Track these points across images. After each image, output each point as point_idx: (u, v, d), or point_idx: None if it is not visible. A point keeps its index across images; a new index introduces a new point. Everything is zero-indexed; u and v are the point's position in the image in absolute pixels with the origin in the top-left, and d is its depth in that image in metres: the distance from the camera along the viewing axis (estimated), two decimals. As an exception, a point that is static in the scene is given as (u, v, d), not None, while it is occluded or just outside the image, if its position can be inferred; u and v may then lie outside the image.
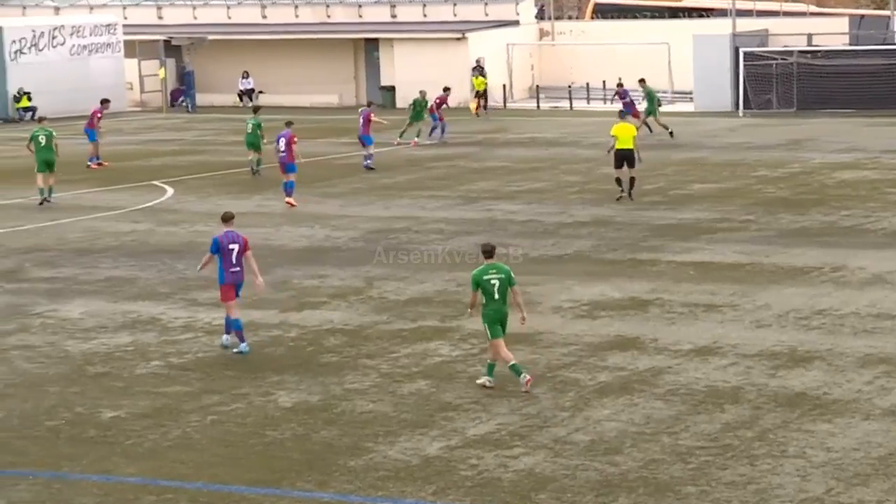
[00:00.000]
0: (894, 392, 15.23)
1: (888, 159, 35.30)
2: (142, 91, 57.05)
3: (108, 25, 54.84)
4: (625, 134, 29.16)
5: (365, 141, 35.33)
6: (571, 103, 52.36)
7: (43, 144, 30.99)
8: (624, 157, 29.11)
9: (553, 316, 19.33)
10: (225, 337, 17.75)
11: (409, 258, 23.52)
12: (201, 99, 55.72)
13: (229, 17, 58.46)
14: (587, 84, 53.66)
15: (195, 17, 58.94)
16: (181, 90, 56.88)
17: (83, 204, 30.62)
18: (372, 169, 34.89)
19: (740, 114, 47.73)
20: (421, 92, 41.96)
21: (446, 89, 43.50)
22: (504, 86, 53.75)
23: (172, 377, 16.59)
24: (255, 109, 37.03)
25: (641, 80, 41.55)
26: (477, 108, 49.31)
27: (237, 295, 17.65)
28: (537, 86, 54.64)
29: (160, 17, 59.48)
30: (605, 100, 53.37)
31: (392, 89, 54.07)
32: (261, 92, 56.76)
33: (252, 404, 15.42)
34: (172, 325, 19.23)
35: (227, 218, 17.77)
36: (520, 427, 14.39)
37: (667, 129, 40.29)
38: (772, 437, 13.87)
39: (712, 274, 21.94)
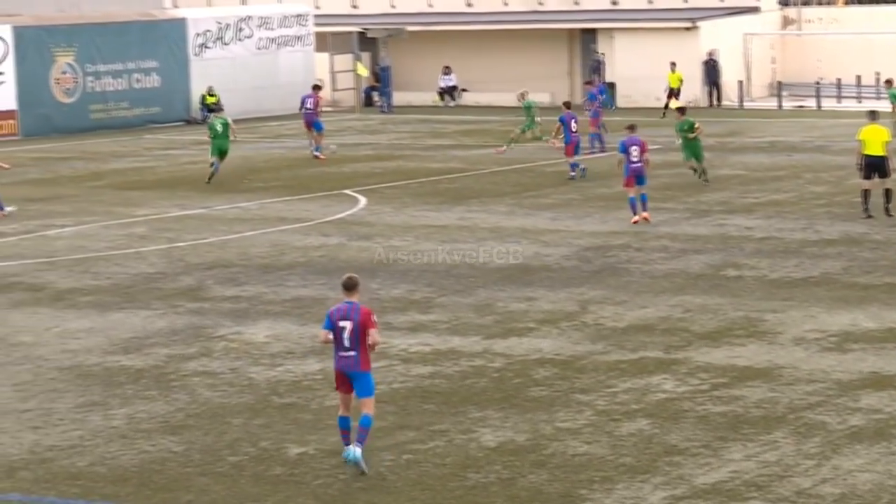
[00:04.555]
0: None
1: None
2: (333, 89, 58.21)
3: (299, 16, 56.19)
4: (874, 138, 28.30)
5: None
6: (819, 102, 51.41)
7: (220, 132, 36.01)
8: (874, 166, 28.19)
9: (796, 348, 19.03)
10: (350, 450, 14.52)
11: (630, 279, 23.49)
12: (398, 97, 56.60)
13: (430, 6, 59.30)
14: (838, 80, 52.57)
15: (393, 7, 59.98)
16: (376, 87, 57.87)
17: (268, 215, 31.46)
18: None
19: None
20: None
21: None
22: (740, 82, 53.13)
23: (364, 410, 16.89)
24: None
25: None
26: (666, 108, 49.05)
27: (358, 393, 14.60)
28: (779, 82, 53.84)
29: (354, 7, 60.70)
30: (859, 98, 52.26)
31: (612, 86, 54.01)
32: (464, 90, 57.37)
33: (452, 443, 15.60)
34: (365, 352, 19.57)
35: (347, 286, 14.70)
36: (756, 476, 14.22)
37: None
38: None
39: None
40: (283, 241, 27.97)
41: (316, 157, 40.61)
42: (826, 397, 16.73)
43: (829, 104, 51.50)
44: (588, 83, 43.75)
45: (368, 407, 14.60)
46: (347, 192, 34.44)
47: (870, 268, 23.94)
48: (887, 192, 28.46)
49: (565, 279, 23.75)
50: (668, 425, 15.86)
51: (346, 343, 14.51)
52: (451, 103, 57.22)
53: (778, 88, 53.23)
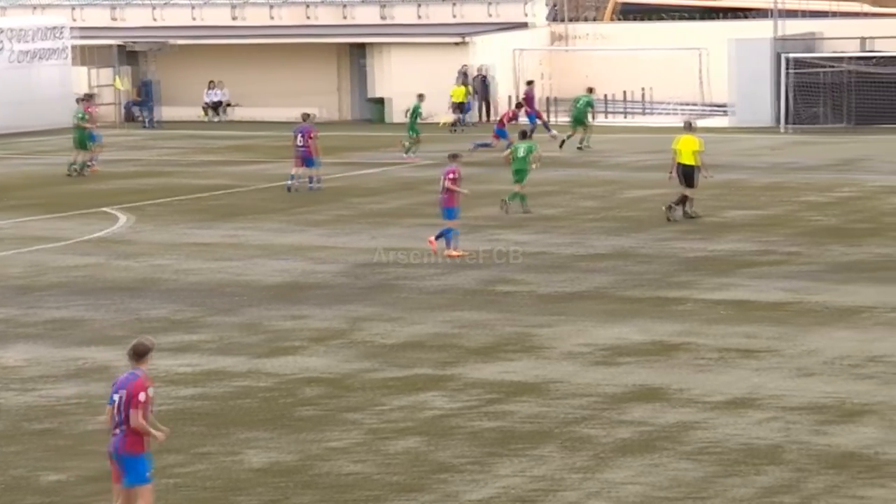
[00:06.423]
0: (959, 451, 15.26)
1: (954, 182, 35.39)
2: (94, 104, 57.09)
3: (55, 28, 55.07)
4: (685, 147, 30.22)
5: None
6: (589, 117, 52.41)
7: (76, 124, 40.57)
8: (684, 174, 30.15)
9: (565, 362, 19.38)
10: None
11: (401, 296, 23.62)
12: (165, 113, 55.92)
13: (195, 20, 58.75)
14: (606, 96, 53.85)
15: (156, 20, 59.23)
16: (139, 102, 57.06)
17: (25, 234, 30.74)
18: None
19: (783, 129, 47.88)
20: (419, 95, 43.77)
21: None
22: (510, 97, 53.95)
23: (126, 434, 16.59)
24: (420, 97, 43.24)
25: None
26: (454, 122, 50.15)
27: (127, 480, 12.89)
28: (548, 97, 54.80)
29: (115, 20, 59.75)
30: (626, 113, 53.59)
31: (382, 101, 54.28)
32: (235, 105, 56.97)
33: (217, 465, 15.45)
34: (127, 374, 19.25)
35: (132, 353, 13.03)
36: (526, 491, 14.42)
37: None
38: None
39: (750, 314, 21.99)
40: (40, 261, 27.34)
41: (92, 168, 40.37)
42: (595, 411, 17.08)
43: (597, 119, 52.56)
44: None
45: (144, 498, 12.77)
46: (108, 210, 33.84)
47: (638, 281, 24.55)
48: (683, 198, 30.25)
49: (336, 296, 23.76)
50: (438, 442, 15.99)
51: (117, 418, 12.90)
52: (216, 118, 56.77)
53: (548, 103, 54.11)
